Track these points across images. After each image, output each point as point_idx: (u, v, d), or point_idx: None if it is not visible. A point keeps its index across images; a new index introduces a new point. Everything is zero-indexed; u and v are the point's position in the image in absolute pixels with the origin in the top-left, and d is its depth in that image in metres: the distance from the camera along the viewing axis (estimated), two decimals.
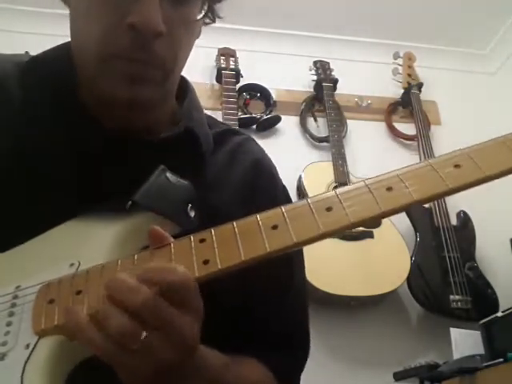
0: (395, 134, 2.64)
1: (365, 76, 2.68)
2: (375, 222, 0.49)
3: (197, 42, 2.77)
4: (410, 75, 2.66)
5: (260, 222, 0.48)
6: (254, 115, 2.51)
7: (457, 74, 2.82)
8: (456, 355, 1.85)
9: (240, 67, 2.53)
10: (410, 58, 2.70)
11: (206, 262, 0.47)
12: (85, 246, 0.55)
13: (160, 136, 0.66)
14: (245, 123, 2.46)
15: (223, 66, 2.52)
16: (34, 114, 0.65)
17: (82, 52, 0.62)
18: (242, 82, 2.55)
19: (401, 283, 2.13)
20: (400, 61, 2.68)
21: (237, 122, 2.32)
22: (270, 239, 0.47)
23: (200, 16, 0.67)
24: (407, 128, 2.64)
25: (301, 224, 0.47)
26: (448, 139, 2.57)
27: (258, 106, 2.57)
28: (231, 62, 2.53)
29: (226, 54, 2.56)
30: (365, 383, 2.05)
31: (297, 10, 2.63)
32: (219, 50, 2.57)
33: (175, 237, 0.52)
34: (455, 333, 1.92)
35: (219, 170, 0.71)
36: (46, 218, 0.58)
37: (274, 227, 0.47)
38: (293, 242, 0.46)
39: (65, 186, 0.62)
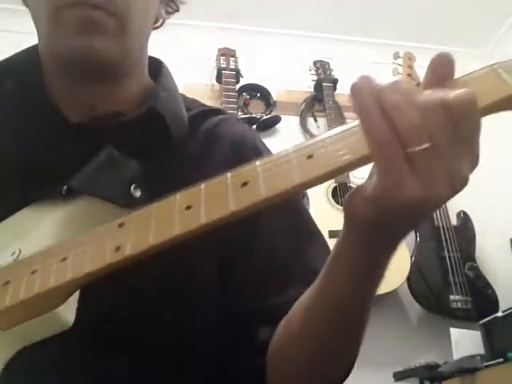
0: None
1: None
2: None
3: (197, 42, 2.77)
4: (410, 75, 2.66)
5: (177, 203, 0.46)
6: (254, 115, 2.51)
7: (457, 74, 2.82)
8: (456, 355, 1.85)
9: (240, 67, 2.53)
10: (409, 58, 2.70)
11: (117, 249, 0.47)
12: (27, 234, 0.55)
13: (120, 120, 0.64)
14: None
15: (223, 65, 2.52)
16: (4, 112, 0.66)
17: (38, 15, 0.62)
18: (242, 82, 2.55)
19: (401, 283, 2.13)
20: (400, 61, 2.68)
21: None
22: (182, 221, 0.45)
23: None
24: None
25: (213, 203, 0.44)
26: None
27: (258, 106, 2.57)
28: (231, 62, 2.53)
29: (226, 54, 2.56)
30: (365, 383, 2.05)
31: (297, 10, 2.63)
32: (219, 50, 2.57)
33: None
34: (455, 333, 1.92)
35: (195, 150, 0.67)
36: (12, 209, 0.58)
37: (188, 208, 0.45)
38: (200, 224, 0.44)
39: (30, 177, 0.61)
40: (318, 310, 0.52)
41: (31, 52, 0.69)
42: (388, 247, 0.45)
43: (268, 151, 0.73)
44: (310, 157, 0.42)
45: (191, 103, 0.75)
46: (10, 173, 0.62)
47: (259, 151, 0.71)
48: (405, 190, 0.38)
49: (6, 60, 0.70)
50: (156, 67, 0.73)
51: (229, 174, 0.45)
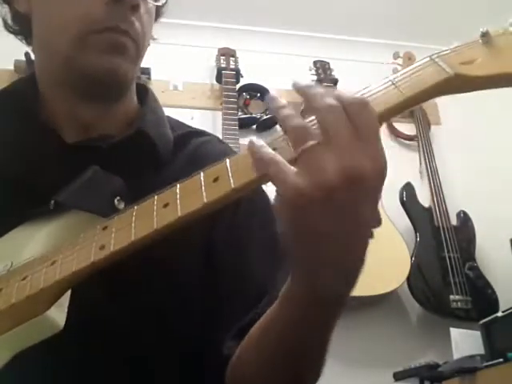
0: (395, 133, 2.63)
1: (365, 76, 2.68)
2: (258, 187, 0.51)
3: (197, 42, 2.78)
4: None
5: (155, 202, 0.50)
6: (254, 115, 2.51)
7: None
8: (456, 355, 1.85)
9: (240, 67, 2.53)
10: (409, 58, 2.70)
11: (102, 248, 0.50)
12: (19, 248, 0.58)
13: (111, 140, 0.68)
14: (245, 123, 2.45)
15: (223, 65, 2.52)
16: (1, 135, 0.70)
17: (58, 37, 0.65)
18: (242, 82, 2.55)
19: (401, 283, 2.13)
20: (400, 61, 2.68)
21: (237, 122, 2.32)
22: (160, 216, 0.48)
23: (162, 1, 0.72)
24: (407, 128, 2.64)
25: (188, 198, 0.48)
26: (448, 139, 2.57)
27: (258, 106, 2.56)
28: (231, 62, 2.53)
29: (226, 53, 2.56)
30: (365, 383, 2.05)
31: (297, 10, 2.63)
32: (219, 50, 2.57)
33: None
34: (455, 333, 1.92)
35: (178, 171, 0.70)
36: (6, 227, 0.61)
37: (166, 205, 0.49)
38: (177, 217, 0.47)
39: (24, 196, 0.65)
40: (271, 330, 0.55)
41: (28, 79, 0.74)
42: (324, 272, 0.45)
43: None
44: (274, 150, 0.45)
45: (176, 124, 0.79)
46: (3, 191, 0.65)
47: None
48: (290, 182, 0.41)
49: (5, 88, 0.74)
50: (142, 92, 0.78)
51: (202, 173, 0.49)
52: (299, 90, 0.45)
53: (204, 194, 0.47)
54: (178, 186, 0.49)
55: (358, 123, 0.41)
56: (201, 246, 0.67)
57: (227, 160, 0.48)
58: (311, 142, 0.41)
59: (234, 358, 0.60)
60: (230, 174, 0.46)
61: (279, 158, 0.42)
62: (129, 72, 0.67)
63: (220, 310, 0.66)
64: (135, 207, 0.51)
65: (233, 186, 0.45)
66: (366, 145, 0.41)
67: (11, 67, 2.25)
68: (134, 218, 0.50)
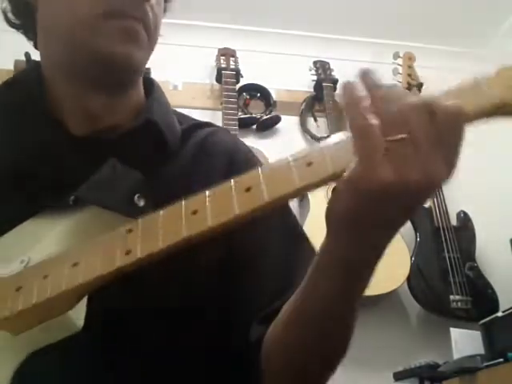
0: None
1: None
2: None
3: (197, 42, 2.79)
4: (410, 75, 2.66)
5: (183, 209, 0.49)
6: (254, 115, 2.52)
7: (457, 74, 2.81)
8: (456, 355, 1.85)
9: (240, 67, 2.53)
10: (410, 58, 2.70)
11: (128, 253, 0.49)
12: (35, 243, 0.57)
13: (120, 131, 0.67)
14: (245, 123, 2.46)
15: (223, 65, 2.52)
16: (6, 125, 0.69)
17: (68, 20, 0.63)
18: (242, 82, 2.55)
19: (401, 283, 2.13)
20: (400, 61, 2.68)
21: (237, 122, 2.32)
22: (189, 224, 0.47)
23: None
24: None
25: (219, 207, 0.47)
26: None
27: (258, 106, 2.57)
28: (231, 62, 2.53)
29: (226, 53, 2.56)
30: (365, 383, 2.05)
31: (297, 10, 2.63)
32: (219, 50, 2.57)
33: None
34: (455, 333, 1.92)
35: (188, 162, 0.71)
36: (10, 218, 0.60)
37: (194, 212, 0.48)
38: (207, 227, 0.46)
39: (33, 188, 0.64)
40: (302, 312, 0.55)
41: (31, 70, 0.72)
42: (367, 247, 0.48)
43: (257, 158, 0.77)
44: (309, 164, 0.45)
45: (181, 117, 0.79)
46: (11, 184, 0.64)
47: (251, 160, 0.75)
48: (378, 172, 0.41)
49: (13, 77, 0.73)
50: (148, 84, 0.77)
51: (232, 181, 0.47)
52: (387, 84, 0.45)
53: (236, 204, 0.45)
54: (208, 193, 0.48)
55: (444, 132, 0.43)
56: (220, 241, 0.66)
57: (259, 170, 0.47)
58: (402, 135, 0.42)
59: (266, 341, 0.60)
60: (264, 185, 0.45)
61: (378, 133, 0.42)
62: (142, 60, 0.66)
63: (243, 304, 0.65)
64: (161, 212, 0.50)
65: (267, 199, 0.44)
66: (448, 152, 0.43)
67: (11, 67, 2.25)
68: (160, 224, 0.49)
